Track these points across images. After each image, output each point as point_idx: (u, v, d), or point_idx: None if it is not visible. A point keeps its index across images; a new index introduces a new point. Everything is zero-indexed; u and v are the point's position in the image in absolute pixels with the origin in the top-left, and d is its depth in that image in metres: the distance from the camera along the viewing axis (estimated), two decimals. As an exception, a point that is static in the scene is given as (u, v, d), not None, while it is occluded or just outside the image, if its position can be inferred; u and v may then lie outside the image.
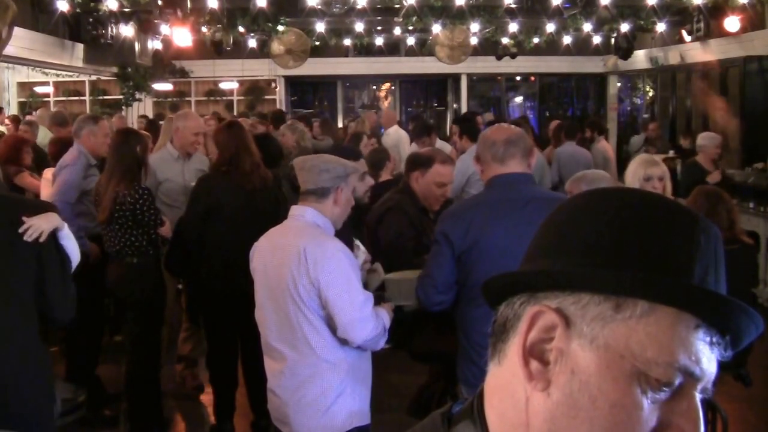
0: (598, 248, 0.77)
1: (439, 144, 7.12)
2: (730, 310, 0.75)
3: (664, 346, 0.73)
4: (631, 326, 0.74)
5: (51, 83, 13.57)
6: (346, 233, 3.16)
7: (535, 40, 12.09)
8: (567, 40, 12.17)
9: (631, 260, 0.76)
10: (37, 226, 2.74)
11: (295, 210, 2.92)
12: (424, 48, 12.81)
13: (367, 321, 2.74)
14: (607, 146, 8.78)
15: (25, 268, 2.72)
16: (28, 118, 8.76)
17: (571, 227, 0.81)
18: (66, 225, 2.91)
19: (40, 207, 2.97)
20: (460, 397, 3.20)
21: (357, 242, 3.36)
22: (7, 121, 9.15)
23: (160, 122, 8.55)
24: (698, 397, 0.75)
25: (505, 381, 0.80)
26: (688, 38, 10.97)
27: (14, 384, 2.64)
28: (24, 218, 2.74)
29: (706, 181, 6.25)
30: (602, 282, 0.75)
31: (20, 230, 2.71)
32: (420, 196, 3.88)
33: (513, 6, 10.59)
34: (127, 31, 10.21)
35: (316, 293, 2.71)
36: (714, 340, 0.76)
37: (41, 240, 2.74)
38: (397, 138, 9.07)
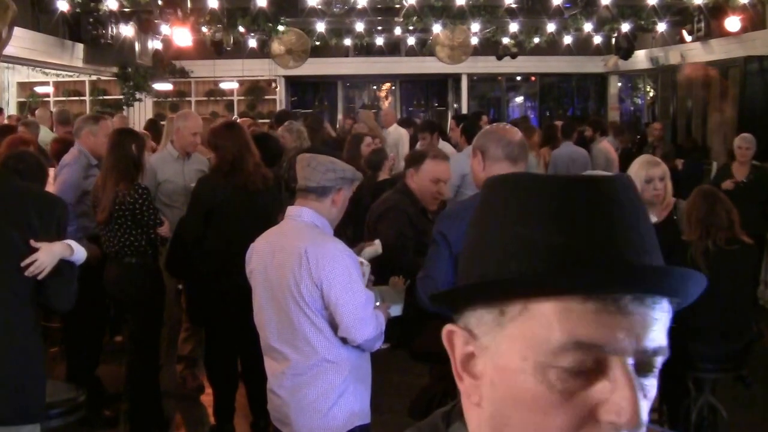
0: (468, 260, 0.80)
1: (441, 145, 7.08)
2: (600, 278, 0.71)
3: (554, 331, 0.71)
4: (519, 325, 0.73)
5: (51, 83, 13.57)
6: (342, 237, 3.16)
7: (536, 40, 12.08)
8: (567, 40, 12.16)
9: (484, 264, 0.77)
10: (40, 263, 2.65)
11: (292, 210, 2.90)
12: (425, 48, 12.80)
13: (368, 320, 2.75)
14: (608, 147, 8.75)
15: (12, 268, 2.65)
16: (28, 118, 8.73)
17: (467, 233, 0.83)
18: (75, 248, 2.79)
19: (47, 200, 2.86)
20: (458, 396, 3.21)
21: (361, 259, 3.34)
22: (6, 121, 9.14)
23: (162, 122, 8.55)
24: (629, 368, 0.70)
25: (464, 394, 0.82)
26: (688, 38, 10.96)
27: (5, 380, 2.62)
28: (32, 242, 2.64)
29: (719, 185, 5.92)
30: (473, 295, 0.77)
31: (22, 264, 2.62)
32: (417, 194, 3.86)
33: (513, 6, 10.57)
34: (127, 31, 10.21)
35: (318, 294, 2.71)
36: (626, 302, 0.71)
37: (40, 278, 2.66)
38: (397, 137, 9.04)
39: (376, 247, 3.32)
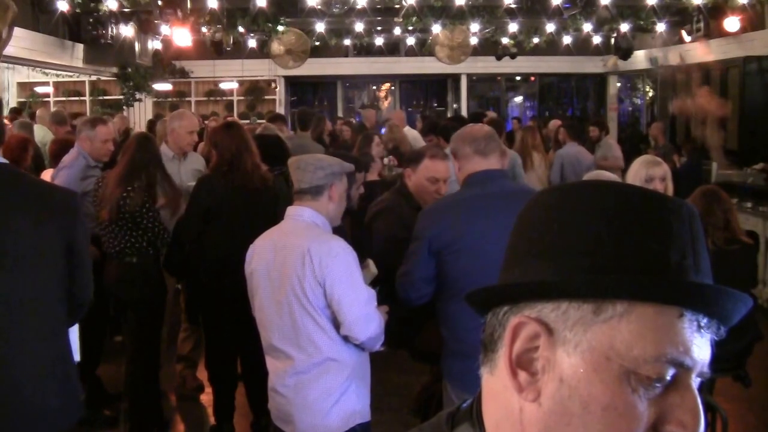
0: (567, 252, 0.77)
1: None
2: (709, 295, 0.75)
3: (648, 341, 0.72)
4: (613, 326, 0.73)
5: (51, 83, 13.58)
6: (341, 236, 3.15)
7: (535, 40, 12.09)
8: (567, 40, 12.17)
9: (603, 260, 0.75)
10: None
11: (292, 210, 2.91)
12: (424, 48, 12.80)
13: (371, 318, 2.77)
14: (612, 143, 8.77)
15: (53, 264, 2.52)
16: (20, 120, 8.70)
17: (540, 231, 0.80)
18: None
19: (63, 195, 2.70)
20: (445, 394, 3.23)
21: (369, 260, 3.32)
22: (6, 120, 9.13)
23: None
24: (695, 384, 0.74)
25: (497, 391, 0.80)
26: (688, 38, 10.98)
27: (34, 392, 2.55)
28: None
29: None
30: (576, 289, 0.75)
31: None
32: (414, 193, 3.82)
33: (513, 6, 10.58)
34: (127, 31, 10.22)
35: (322, 292, 2.72)
36: (702, 324, 0.75)
37: None
38: (410, 138, 8.89)
39: (369, 268, 3.26)
